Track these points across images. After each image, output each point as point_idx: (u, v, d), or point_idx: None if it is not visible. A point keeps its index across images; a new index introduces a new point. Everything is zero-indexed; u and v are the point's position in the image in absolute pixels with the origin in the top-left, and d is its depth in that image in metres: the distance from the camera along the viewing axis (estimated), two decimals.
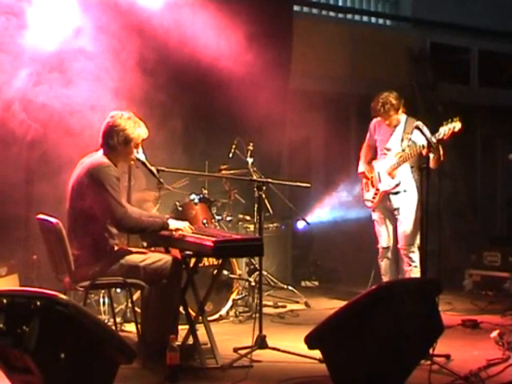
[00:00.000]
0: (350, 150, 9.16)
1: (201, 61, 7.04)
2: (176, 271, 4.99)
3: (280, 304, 7.22)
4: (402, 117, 6.78)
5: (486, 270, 8.13)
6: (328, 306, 7.07)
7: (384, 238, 6.95)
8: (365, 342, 4.14)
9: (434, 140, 5.66)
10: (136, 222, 4.90)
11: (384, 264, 6.96)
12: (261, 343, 5.20)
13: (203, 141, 7.82)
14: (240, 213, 7.48)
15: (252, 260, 7.07)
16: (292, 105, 8.69)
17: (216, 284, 5.48)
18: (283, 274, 7.95)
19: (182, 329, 5.19)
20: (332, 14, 10.28)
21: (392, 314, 4.17)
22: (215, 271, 5.54)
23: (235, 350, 5.30)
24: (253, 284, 6.72)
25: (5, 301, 3.74)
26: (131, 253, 5.00)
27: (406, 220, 6.74)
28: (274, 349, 5.22)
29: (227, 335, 5.85)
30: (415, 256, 6.69)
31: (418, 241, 6.61)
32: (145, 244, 5.54)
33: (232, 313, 6.56)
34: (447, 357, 5.11)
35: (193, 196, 6.65)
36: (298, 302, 7.30)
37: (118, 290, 6.19)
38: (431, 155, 5.70)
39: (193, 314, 5.24)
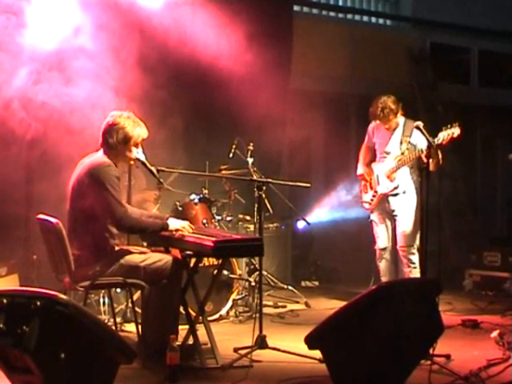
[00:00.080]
0: (350, 150, 9.16)
1: (201, 60, 7.04)
2: (176, 271, 4.99)
3: (280, 304, 7.22)
4: (401, 119, 6.78)
5: (486, 270, 8.13)
6: (328, 306, 7.08)
7: (381, 239, 6.94)
8: (365, 342, 4.14)
9: (433, 140, 5.65)
10: (136, 221, 4.91)
11: (382, 265, 6.96)
12: (261, 343, 5.20)
13: (203, 141, 7.82)
14: (240, 213, 7.48)
15: (252, 260, 7.07)
16: (292, 105, 8.69)
17: (216, 284, 5.48)
18: (283, 274, 7.95)
19: (182, 329, 5.19)
20: (332, 13, 10.29)
21: (392, 314, 4.17)
22: (215, 271, 5.54)
23: (235, 349, 5.30)
24: (253, 284, 6.72)
25: (5, 301, 3.73)
26: (131, 253, 5.00)
27: (405, 221, 6.74)
28: (274, 349, 5.22)
29: (227, 335, 5.85)
30: (415, 257, 6.69)
31: (417, 242, 6.61)
32: (145, 244, 5.54)
33: (232, 313, 6.56)
34: (447, 357, 5.12)
35: (193, 196, 6.65)
36: (298, 302, 7.31)
37: (118, 290, 6.19)
38: (430, 160, 5.68)
39: (193, 314, 5.24)
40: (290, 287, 7.46)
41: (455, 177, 9.88)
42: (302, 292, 7.53)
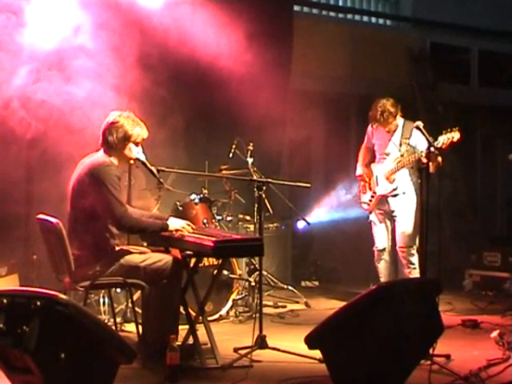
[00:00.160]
0: (350, 150, 9.15)
1: (201, 60, 7.04)
2: (176, 271, 4.99)
3: (280, 304, 7.22)
4: (400, 121, 6.77)
5: (486, 270, 8.13)
6: (328, 306, 7.08)
7: (380, 239, 6.94)
8: (365, 342, 4.14)
9: (433, 140, 5.64)
10: (136, 221, 4.91)
11: (381, 266, 6.95)
12: (261, 343, 5.20)
13: (203, 140, 7.82)
14: (240, 213, 7.48)
15: (252, 260, 7.07)
16: (292, 105, 8.69)
17: (216, 284, 5.48)
18: (283, 274, 7.95)
19: (182, 329, 5.19)
20: (332, 14, 10.29)
21: (392, 314, 4.17)
22: (215, 271, 5.54)
23: (235, 349, 5.30)
24: (253, 284, 6.72)
25: (5, 301, 3.73)
26: (131, 253, 5.00)
27: (405, 222, 6.73)
28: (274, 349, 5.22)
29: (227, 335, 5.85)
30: (414, 258, 6.69)
31: (416, 242, 6.60)
32: (145, 244, 5.54)
33: (232, 313, 6.56)
34: (447, 357, 5.12)
35: (193, 196, 6.65)
36: (298, 302, 7.31)
37: (118, 290, 6.19)
38: (431, 164, 5.68)
39: (193, 314, 5.24)
40: (290, 287, 7.46)
41: (455, 177, 9.88)
42: (301, 292, 7.52)
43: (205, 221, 6.49)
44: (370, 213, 6.99)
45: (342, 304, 4.46)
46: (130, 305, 5.76)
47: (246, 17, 7.24)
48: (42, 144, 6.59)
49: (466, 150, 9.58)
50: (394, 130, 6.78)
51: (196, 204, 6.58)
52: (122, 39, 6.37)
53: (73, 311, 3.70)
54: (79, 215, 4.89)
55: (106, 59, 6.22)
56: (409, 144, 6.66)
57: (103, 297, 6.21)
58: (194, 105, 7.63)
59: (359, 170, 7.10)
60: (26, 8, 6.03)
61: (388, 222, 6.91)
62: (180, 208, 6.50)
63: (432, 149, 5.47)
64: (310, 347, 4.42)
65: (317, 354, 4.61)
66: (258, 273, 6.11)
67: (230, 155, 6.95)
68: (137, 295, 5.68)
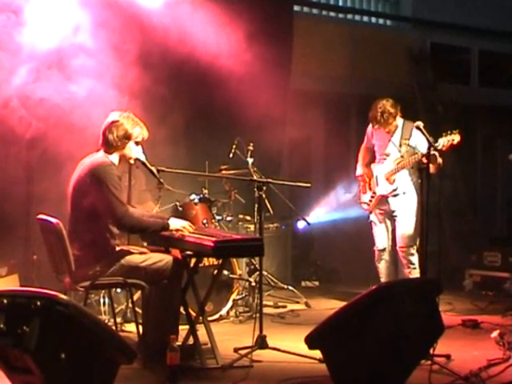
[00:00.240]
0: (350, 150, 9.14)
1: (201, 60, 7.04)
2: (176, 271, 4.99)
3: (280, 304, 7.22)
4: (399, 121, 6.76)
5: (486, 270, 8.13)
6: (328, 306, 7.08)
7: (380, 239, 6.94)
8: (365, 342, 4.14)
9: (433, 141, 5.64)
10: (137, 221, 4.91)
11: (382, 266, 6.95)
12: (261, 343, 5.20)
13: (203, 140, 7.82)
14: (240, 213, 7.48)
15: (252, 260, 7.07)
16: (292, 105, 8.69)
17: (216, 284, 5.49)
18: (283, 274, 7.95)
19: (183, 329, 5.19)
20: (332, 14, 10.29)
21: (392, 314, 4.17)
22: (215, 271, 5.54)
23: (235, 350, 5.30)
24: (253, 284, 6.72)
25: (5, 301, 3.73)
26: (132, 253, 5.00)
27: (405, 222, 6.73)
28: (274, 349, 5.22)
29: (227, 335, 5.85)
30: (414, 258, 6.69)
31: (417, 242, 6.60)
32: (145, 244, 5.54)
33: (232, 313, 6.56)
34: (447, 357, 5.12)
35: (193, 196, 6.65)
36: (298, 302, 7.31)
37: (119, 291, 6.19)
38: (431, 165, 5.67)
39: (193, 314, 5.24)
40: (290, 287, 7.46)
41: (455, 177, 9.89)
42: (302, 292, 7.52)
43: (205, 221, 6.49)
44: (371, 213, 6.99)
45: (343, 304, 4.46)
46: (130, 305, 5.76)
47: (246, 17, 7.23)
48: (42, 144, 6.59)
49: (466, 150, 9.56)
50: (394, 131, 6.77)
51: (196, 204, 6.58)
52: (122, 38, 6.38)
53: (73, 311, 3.70)
54: (79, 215, 4.89)
55: (106, 58, 6.23)
56: (409, 145, 6.66)
57: (103, 297, 6.21)
58: (194, 105, 7.63)
59: (359, 170, 7.10)
60: (25, 7, 6.03)
61: (388, 222, 6.91)
62: (180, 208, 6.50)
63: (432, 150, 5.47)
64: (310, 347, 4.42)
65: (317, 354, 4.61)
66: (258, 273, 6.11)
67: (231, 155, 6.95)
68: (137, 295, 5.68)
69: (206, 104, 7.77)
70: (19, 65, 6.04)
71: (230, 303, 6.47)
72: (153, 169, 5.12)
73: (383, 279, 6.91)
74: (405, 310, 4.22)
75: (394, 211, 6.81)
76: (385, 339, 4.17)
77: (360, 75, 9.78)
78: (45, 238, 5.14)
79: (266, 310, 6.28)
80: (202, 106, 7.74)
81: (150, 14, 6.65)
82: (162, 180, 5.30)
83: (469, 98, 10.52)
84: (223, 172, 6.90)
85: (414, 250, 6.69)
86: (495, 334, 5.47)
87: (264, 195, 5.56)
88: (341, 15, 10.38)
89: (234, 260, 6.48)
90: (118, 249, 4.97)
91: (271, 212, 7.20)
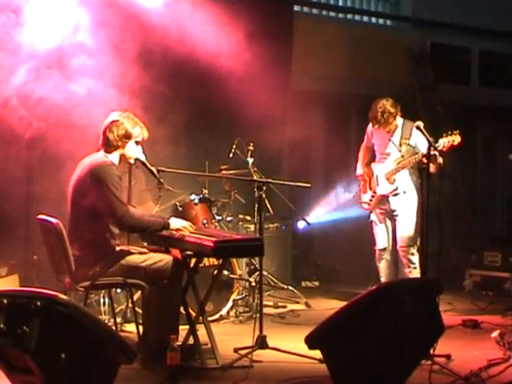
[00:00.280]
0: (350, 150, 9.14)
1: (201, 60, 7.04)
2: (176, 271, 4.99)
3: (280, 304, 7.22)
4: (399, 120, 6.76)
5: (487, 270, 8.13)
6: (328, 306, 7.08)
7: (381, 239, 6.94)
8: (365, 342, 4.14)
9: (433, 141, 5.63)
10: (138, 220, 4.91)
11: (382, 266, 6.95)
12: (261, 343, 5.20)
13: (203, 141, 7.81)
14: (240, 213, 7.48)
15: (252, 260, 7.06)
16: (292, 105, 8.69)
17: (216, 284, 5.48)
18: (283, 274, 7.94)
19: (183, 329, 5.19)
20: (332, 14, 10.29)
21: (392, 314, 4.17)
22: (215, 271, 5.54)
23: (235, 350, 5.30)
24: (253, 284, 6.72)
25: (5, 301, 3.73)
26: (132, 253, 5.00)
27: (406, 221, 6.73)
28: (274, 349, 5.22)
29: (227, 335, 5.85)
30: (415, 258, 6.69)
31: (417, 242, 6.60)
32: (145, 244, 5.54)
33: (232, 313, 6.56)
34: (448, 357, 5.12)
35: (193, 196, 6.64)
36: (298, 303, 7.30)
37: (119, 291, 6.19)
38: (431, 165, 5.67)
39: (193, 314, 5.24)
40: (291, 287, 7.46)
41: (455, 177, 9.88)
42: (302, 292, 7.52)
43: (205, 221, 6.49)
44: (371, 212, 6.99)
45: (343, 304, 4.46)
46: (130, 305, 5.76)
47: (246, 16, 7.23)
48: (43, 143, 6.58)
49: (466, 150, 9.57)
50: (394, 130, 6.77)
51: (196, 204, 6.58)
52: (122, 37, 6.38)
53: (73, 311, 3.70)
54: (79, 215, 4.89)
55: (106, 57, 6.23)
56: (409, 144, 6.66)
57: (103, 297, 6.20)
58: (194, 104, 7.63)
59: (359, 170, 7.10)
60: (25, 7, 6.03)
61: (389, 222, 6.90)
62: (180, 208, 6.50)
63: (432, 150, 5.46)
64: (311, 347, 4.42)
65: (317, 354, 4.61)
66: (258, 273, 6.10)
67: (231, 155, 6.94)
68: (137, 295, 5.68)
69: (206, 104, 7.77)
70: (19, 64, 6.04)
71: (230, 303, 6.47)
72: (153, 169, 5.12)
73: (383, 279, 6.91)
74: (405, 310, 4.22)
75: (394, 211, 6.81)
76: (385, 339, 4.17)
77: (360, 75, 9.78)
78: (45, 238, 5.14)
79: (266, 310, 6.27)
80: (201, 106, 7.73)
81: (150, 14, 6.65)
82: (161, 180, 5.30)
83: (469, 98, 10.51)
84: (223, 172, 6.90)
85: (414, 250, 6.69)
86: (495, 334, 5.48)
87: (264, 195, 5.56)
88: (341, 15, 10.38)
89: (234, 260, 6.48)
90: (117, 249, 4.98)
91: (271, 212, 7.19)
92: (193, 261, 5.25)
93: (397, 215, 6.80)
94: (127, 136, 4.94)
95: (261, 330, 5.24)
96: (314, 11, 10.09)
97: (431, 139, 5.50)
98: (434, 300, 4.59)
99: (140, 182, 6.60)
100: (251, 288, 6.75)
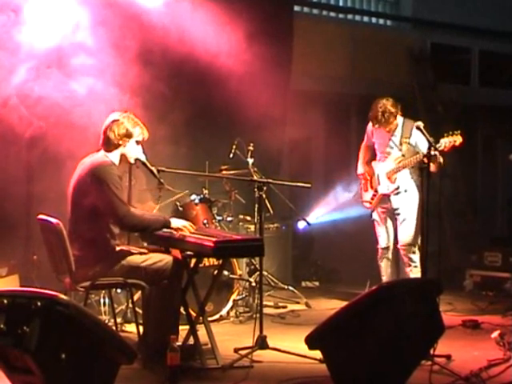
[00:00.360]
0: (351, 150, 9.14)
1: (201, 60, 7.04)
2: (177, 271, 4.99)
3: (280, 304, 7.21)
4: (399, 119, 6.76)
5: (487, 270, 8.12)
6: (328, 306, 7.08)
7: (383, 238, 6.94)
8: (365, 342, 4.14)
9: (433, 141, 5.63)
10: (139, 220, 4.91)
11: (384, 265, 6.95)
12: (261, 343, 5.20)
13: (204, 140, 7.81)
14: (240, 213, 7.48)
15: (252, 260, 7.06)
16: (292, 105, 8.69)
17: (216, 284, 5.48)
18: (284, 275, 7.94)
19: (183, 329, 5.19)
20: (332, 14, 10.28)
21: (393, 314, 4.17)
22: (216, 271, 5.54)
23: (236, 350, 5.30)
24: (253, 284, 6.72)
25: (5, 301, 3.73)
26: (132, 253, 5.00)
27: (407, 220, 6.74)
28: (274, 349, 5.22)
29: (228, 335, 5.85)
30: (415, 256, 6.69)
31: (418, 241, 6.61)
32: (145, 244, 5.54)
33: (232, 313, 6.56)
34: (448, 357, 5.12)
35: (193, 196, 6.64)
36: (298, 303, 7.30)
37: (119, 291, 6.18)
38: (432, 165, 5.67)
39: (193, 314, 5.24)
40: (291, 287, 7.46)
41: (455, 177, 9.88)
42: (302, 292, 7.52)
43: (205, 221, 6.49)
44: (373, 211, 6.98)
45: (343, 304, 4.45)
46: (130, 305, 5.76)
47: (246, 16, 7.23)
48: (43, 143, 6.58)
49: (466, 150, 9.57)
50: (394, 129, 6.77)
51: (196, 204, 6.58)
52: (122, 36, 6.37)
53: (73, 312, 3.70)
54: (80, 215, 4.89)
55: (106, 56, 6.23)
56: (409, 143, 6.66)
57: (104, 297, 6.21)
58: (194, 104, 7.62)
59: (360, 169, 7.10)
60: (24, 6, 6.03)
61: (390, 221, 6.90)
62: (180, 208, 6.50)
63: (433, 150, 5.46)
64: (311, 347, 4.41)
65: (317, 354, 4.60)
66: (258, 273, 6.10)
67: (231, 155, 6.94)
68: (137, 295, 5.68)
69: (205, 104, 7.77)
70: (19, 64, 6.04)
71: (230, 303, 6.46)
72: (153, 169, 5.12)
73: (385, 278, 6.92)
74: (405, 310, 4.22)
75: (396, 209, 6.81)
76: (385, 339, 4.17)
77: (360, 75, 9.78)
78: (45, 238, 5.14)
79: (266, 311, 6.27)
80: (201, 106, 7.73)
81: (150, 13, 6.65)
82: (162, 180, 5.30)
83: (469, 98, 10.51)
84: (223, 172, 6.90)
85: (415, 248, 6.70)
86: (495, 334, 5.47)
87: (264, 195, 5.56)
88: (341, 15, 10.38)
89: (235, 260, 6.47)
90: (118, 249, 4.98)
91: (271, 212, 7.19)
92: (193, 261, 5.25)
93: (398, 214, 6.80)
94: (128, 135, 4.95)
95: (261, 331, 5.24)
96: (315, 11, 10.09)
97: (431, 139, 5.50)
98: (435, 300, 4.59)
99: (140, 182, 6.60)
100: (251, 288, 6.75)
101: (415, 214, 6.69)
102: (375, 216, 6.97)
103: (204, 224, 6.42)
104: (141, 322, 5.17)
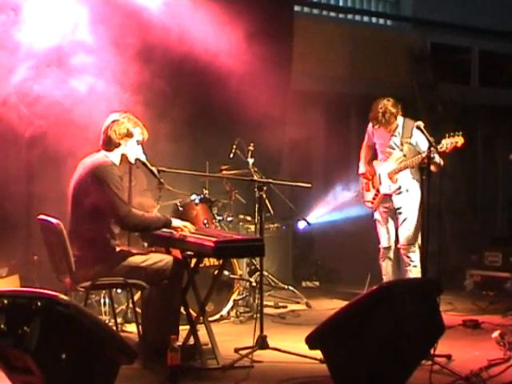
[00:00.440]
0: (351, 150, 9.15)
1: (201, 60, 7.04)
2: (177, 271, 4.99)
3: (281, 304, 7.21)
4: (400, 119, 6.75)
5: (487, 270, 8.12)
6: (329, 306, 7.07)
7: (384, 237, 6.94)
8: (366, 342, 4.14)
9: (433, 141, 5.63)
10: (140, 219, 4.90)
11: (385, 264, 6.94)
12: (262, 343, 5.20)
13: (204, 140, 7.81)
14: (241, 213, 7.48)
15: (253, 260, 7.06)
16: (292, 105, 8.69)
17: (217, 284, 5.48)
18: (284, 275, 7.94)
19: (183, 329, 5.19)
20: (332, 14, 10.29)
21: (393, 314, 4.17)
22: (216, 271, 5.54)
23: (236, 350, 5.30)
24: (253, 284, 6.72)
25: (6, 301, 3.73)
26: (132, 253, 5.00)
27: (409, 219, 6.73)
28: (274, 349, 5.22)
29: (228, 335, 5.85)
30: (415, 256, 6.69)
31: (419, 240, 6.61)
32: (145, 244, 5.53)
33: (233, 313, 6.56)
34: (448, 357, 5.12)
35: (193, 196, 6.64)
36: (298, 303, 7.30)
37: (119, 291, 6.19)
38: (432, 166, 5.67)
39: (194, 314, 5.24)
40: (291, 287, 7.46)
41: (456, 177, 9.88)
42: (302, 292, 7.52)
43: (205, 221, 6.48)
44: (375, 211, 6.98)
45: (343, 304, 4.46)
46: (130, 305, 5.76)
47: (246, 16, 7.22)
48: (43, 142, 6.58)
49: (466, 149, 9.55)
50: (395, 129, 6.77)
51: (196, 204, 6.57)
52: (122, 34, 6.37)
53: (73, 312, 3.70)
54: (80, 216, 4.89)
55: (106, 54, 6.23)
56: (410, 143, 6.66)
57: (104, 297, 6.21)
58: (194, 104, 7.62)
59: (362, 168, 7.10)
60: (24, 5, 6.03)
61: (392, 221, 6.90)
62: (180, 208, 6.49)
63: (434, 152, 5.46)
64: (311, 347, 4.42)
65: (317, 354, 4.61)
66: (258, 273, 6.10)
67: (231, 156, 6.94)
68: (137, 295, 5.68)
69: (205, 103, 7.77)
70: (19, 63, 6.04)
71: (230, 303, 6.47)
72: (153, 169, 5.12)
73: (386, 278, 6.91)
74: (405, 310, 4.22)
75: (398, 209, 6.80)
76: (385, 339, 4.17)
77: (360, 75, 9.78)
78: (45, 238, 5.14)
79: (266, 311, 6.26)
80: (202, 106, 7.73)
81: (150, 12, 6.65)
82: (162, 180, 5.30)
83: (469, 97, 10.51)
84: (224, 172, 6.90)
85: (415, 248, 6.69)
86: (496, 334, 5.47)
87: (264, 195, 5.56)
88: (341, 15, 10.38)
89: (235, 260, 6.47)
90: (118, 249, 4.97)
91: (272, 212, 7.18)
92: (193, 261, 5.24)
93: (400, 213, 6.80)
94: (129, 135, 4.95)
95: (261, 330, 5.24)
96: (315, 11, 10.09)
97: (431, 139, 5.50)
98: (435, 300, 4.59)
99: (141, 182, 6.59)
100: (252, 288, 6.74)
101: (416, 214, 6.68)
102: (377, 216, 6.97)
103: (204, 224, 6.42)
104: (141, 322, 5.17)
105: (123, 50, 6.39)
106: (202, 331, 5.11)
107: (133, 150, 5.01)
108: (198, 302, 5.15)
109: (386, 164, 6.84)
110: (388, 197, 6.84)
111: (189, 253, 5.12)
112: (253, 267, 7.09)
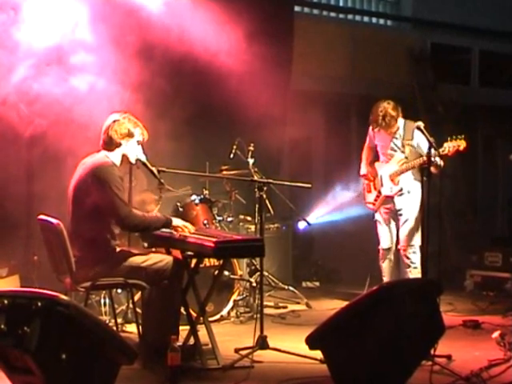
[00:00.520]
0: (351, 150, 9.16)
1: (201, 60, 7.03)
2: (177, 272, 4.99)
3: (281, 304, 7.21)
4: (400, 121, 6.75)
5: (487, 270, 8.12)
6: (329, 306, 7.07)
7: (385, 238, 6.93)
8: (366, 342, 4.14)
9: (434, 141, 5.63)
10: (140, 220, 4.90)
11: (385, 265, 6.94)
12: (262, 344, 5.20)
13: (204, 140, 7.81)
14: (241, 213, 7.48)
15: (253, 260, 7.06)
16: (292, 105, 8.69)
17: (217, 285, 5.48)
18: (284, 275, 7.94)
19: (183, 329, 5.19)
20: (333, 14, 10.29)
21: (393, 314, 4.17)
22: (216, 272, 5.54)
23: (236, 350, 5.30)
24: (254, 285, 6.71)
25: (6, 301, 3.73)
26: (132, 254, 5.00)
27: (409, 221, 6.73)
28: (275, 349, 5.22)
29: (228, 336, 5.85)
30: (415, 256, 6.69)
31: (419, 241, 6.60)
32: (146, 244, 5.53)
33: (233, 313, 6.56)
34: (448, 357, 5.11)
35: (194, 196, 6.64)
36: (298, 303, 7.30)
37: (119, 291, 6.18)
38: (432, 168, 5.67)
39: (194, 314, 5.24)
40: (291, 288, 7.45)
41: (456, 177, 9.88)
42: (302, 292, 7.51)
43: (205, 221, 6.48)
44: (376, 212, 6.98)
45: (343, 304, 4.46)
46: (130, 305, 5.76)
47: (246, 16, 7.22)
48: (43, 141, 6.57)
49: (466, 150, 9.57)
50: (396, 132, 6.76)
51: (196, 205, 6.57)
52: (122, 33, 6.37)
53: (73, 312, 3.70)
54: (80, 216, 4.89)
55: (106, 53, 6.23)
56: (411, 145, 6.65)
57: (104, 297, 6.20)
58: (194, 104, 7.62)
59: (363, 170, 7.09)
60: (24, 4, 6.02)
61: (393, 222, 6.89)
62: (180, 209, 6.49)
63: (433, 151, 5.46)
64: (311, 348, 4.41)
65: (318, 354, 4.61)
66: (258, 273, 6.11)
67: (231, 156, 6.94)
68: (138, 296, 5.68)
69: (206, 103, 7.76)
70: (19, 62, 6.04)
71: (230, 304, 6.46)
72: (153, 169, 5.12)
73: (386, 278, 6.91)
74: (405, 311, 4.22)
75: (399, 210, 6.80)
76: (385, 339, 4.16)
77: (360, 75, 9.78)
78: (45, 238, 5.14)
79: (266, 311, 6.25)
80: (202, 105, 7.72)
81: (150, 11, 6.64)
82: (162, 180, 5.30)
83: (469, 98, 10.51)
84: (224, 172, 6.90)
85: (415, 249, 6.69)
86: (496, 334, 5.47)
87: (264, 196, 5.56)
88: (341, 15, 10.38)
89: (235, 260, 6.47)
90: (118, 250, 4.97)
91: (272, 212, 7.19)
92: (193, 261, 5.24)
93: (401, 214, 6.79)
94: (129, 135, 4.95)
95: (261, 331, 5.24)
96: (315, 11, 10.09)
97: (431, 139, 5.49)
98: (435, 300, 4.59)
99: (141, 182, 6.59)
100: (252, 288, 6.74)
101: (417, 215, 6.67)
102: (378, 217, 6.96)
103: (204, 224, 6.42)
104: (141, 322, 5.16)
105: (123, 48, 6.39)
106: (202, 331, 5.11)
107: (133, 150, 5.01)
108: (198, 302, 5.15)
109: (388, 166, 6.83)
110: (390, 198, 6.84)
111: (189, 253, 5.12)
112: (253, 267, 7.09)
